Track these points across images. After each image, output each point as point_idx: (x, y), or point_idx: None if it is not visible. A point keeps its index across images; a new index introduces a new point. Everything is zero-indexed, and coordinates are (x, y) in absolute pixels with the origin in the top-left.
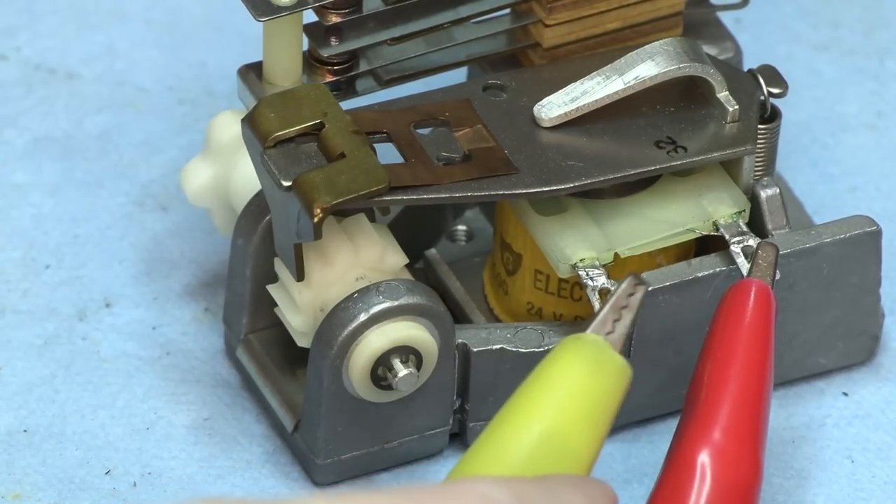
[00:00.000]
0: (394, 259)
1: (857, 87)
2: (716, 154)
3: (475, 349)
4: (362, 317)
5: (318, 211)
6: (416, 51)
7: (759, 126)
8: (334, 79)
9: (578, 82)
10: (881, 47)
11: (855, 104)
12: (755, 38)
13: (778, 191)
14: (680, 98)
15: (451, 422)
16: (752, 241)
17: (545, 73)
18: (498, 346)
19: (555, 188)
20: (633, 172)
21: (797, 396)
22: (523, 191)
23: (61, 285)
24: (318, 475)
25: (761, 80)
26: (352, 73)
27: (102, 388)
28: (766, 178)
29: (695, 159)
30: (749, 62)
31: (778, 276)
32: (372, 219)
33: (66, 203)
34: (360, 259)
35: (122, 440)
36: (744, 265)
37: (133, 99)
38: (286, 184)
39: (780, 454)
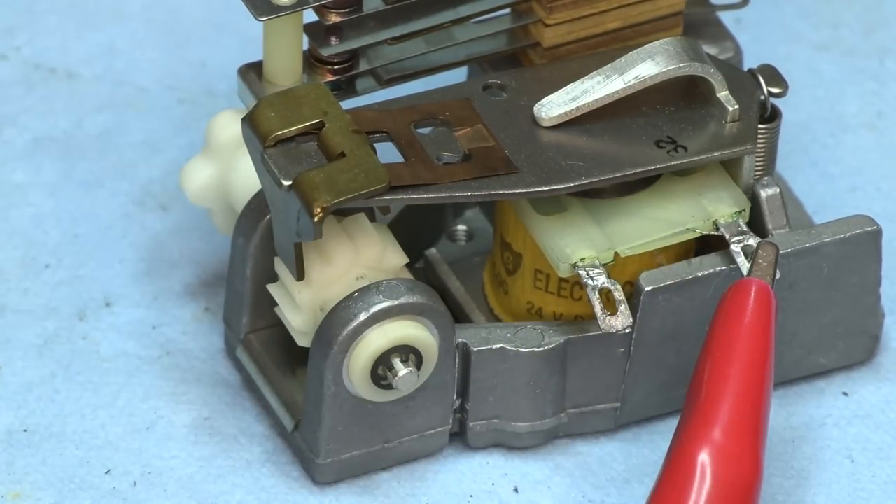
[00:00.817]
0: (394, 258)
1: (857, 87)
2: (716, 153)
3: (475, 349)
4: (362, 316)
5: (319, 210)
6: (416, 50)
7: (759, 126)
8: (334, 78)
9: (578, 82)
10: (881, 47)
11: (855, 104)
12: (755, 38)
13: (778, 190)
14: (680, 97)
15: (451, 421)
16: (753, 241)
17: (545, 73)
18: (498, 346)
19: (555, 187)
20: (633, 172)
21: (797, 396)
22: (523, 190)
23: (61, 285)
24: (318, 474)
25: (761, 80)
26: (352, 73)
27: (102, 387)
28: (766, 178)
29: (695, 159)
30: (749, 62)
31: (778, 276)
32: (372, 218)
33: (66, 203)
34: (360, 258)
35: (122, 439)
36: (744, 265)
37: (133, 99)
38: (286, 183)
39: (780, 454)
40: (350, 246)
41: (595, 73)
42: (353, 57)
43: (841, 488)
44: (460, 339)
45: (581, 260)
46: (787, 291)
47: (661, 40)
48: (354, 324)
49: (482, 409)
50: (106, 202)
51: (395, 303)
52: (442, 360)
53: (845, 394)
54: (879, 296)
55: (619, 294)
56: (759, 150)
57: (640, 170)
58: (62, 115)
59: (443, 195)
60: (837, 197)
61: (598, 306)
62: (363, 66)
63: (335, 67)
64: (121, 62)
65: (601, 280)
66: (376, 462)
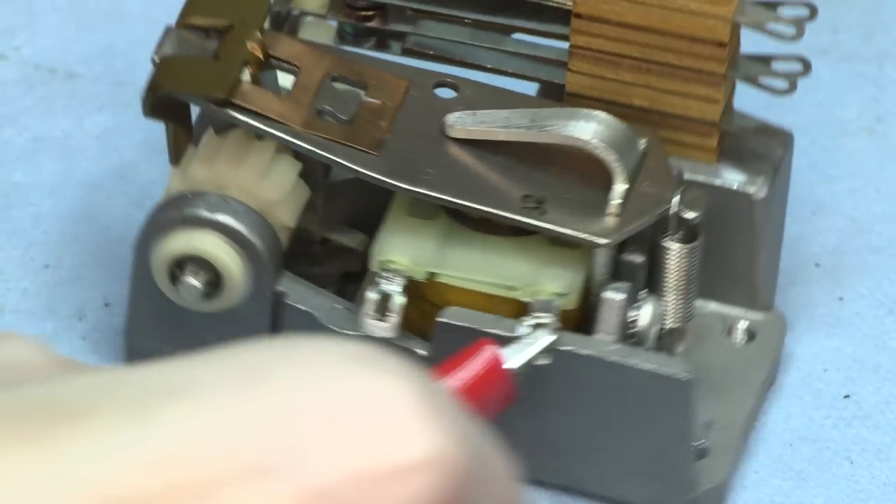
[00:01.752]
0: (268, 191)
1: (856, 92)
2: (562, 230)
3: (288, 302)
4: (173, 213)
5: (150, 91)
6: (449, 35)
7: (670, 243)
8: (350, 21)
9: (500, 110)
10: (880, 52)
11: (854, 109)
12: (754, 41)
13: (622, 299)
14: (594, 173)
15: None
16: (545, 328)
17: (499, 95)
18: (306, 310)
19: (392, 182)
20: (478, 207)
21: (795, 397)
22: (362, 170)
23: (60, 285)
24: (125, 353)
25: (678, 194)
26: (370, 25)
27: None
28: (618, 284)
29: (537, 223)
30: None
31: (546, 362)
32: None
33: (66, 203)
34: (238, 172)
35: None
36: (517, 343)
37: (133, 99)
38: (154, 58)
39: (780, 455)
40: (236, 156)
41: (520, 110)
42: (378, 9)
43: (840, 490)
44: (280, 289)
45: (390, 262)
46: (590, 398)
47: (597, 111)
48: (166, 216)
49: None
50: (106, 202)
51: (211, 216)
52: (252, 299)
53: (846, 396)
54: (691, 447)
55: (397, 307)
56: (636, 264)
57: (485, 209)
58: (62, 115)
59: (278, 135)
60: (837, 198)
61: (369, 305)
62: (393, 25)
63: (357, 12)
64: (121, 62)
65: (391, 288)
66: None
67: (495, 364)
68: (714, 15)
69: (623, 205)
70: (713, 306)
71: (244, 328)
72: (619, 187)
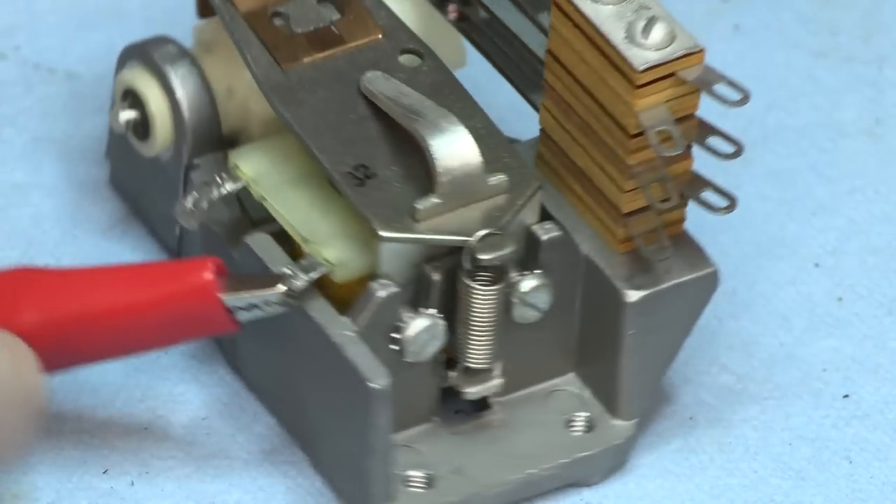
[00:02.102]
0: (249, 77)
1: (855, 94)
2: (352, 201)
3: (191, 173)
4: (138, 49)
5: None
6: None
7: (466, 279)
8: None
9: (403, 86)
10: (880, 54)
11: (853, 111)
12: (753, 44)
13: (381, 294)
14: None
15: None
16: (288, 281)
17: (451, 85)
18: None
19: (266, 93)
20: (311, 149)
21: (795, 397)
22: (254, 68)
23: None
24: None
25: (481, 234)
26: None
27: (100, 388)
28: (390, 283)
29: (339, 188)
30: (747, 68)
31: (272, 311)
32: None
33: (66, 203)
34: (229, 65)
35: (120, 439)
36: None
37: None
38: None
39: (779, 454)
40: (229, 52)
41: (418, 94)
42: None
43: (839, 489)
44: (196, 161)
45: (237, 167)
46: (311, 365)
47: (464, 129)
48: (133, 49)
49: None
50: (105, 203)
51: (157, 61)
52: (173, 159)
53: (846, 396)
54: (377, 460)
55: (205, 203)
56: (429, 279)
57: (315, 152)
58: (62, 115)
59: (225, 20)
60: (837, 198)
61: (192, 194)
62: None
63: None
64: None
65: (216, 186)
66: (141, 213)
67: (204, 286)
68: (624, 101)
69: (429, 216)
70: (587, 393)
71: (167, 183)
72: (430, 199)
